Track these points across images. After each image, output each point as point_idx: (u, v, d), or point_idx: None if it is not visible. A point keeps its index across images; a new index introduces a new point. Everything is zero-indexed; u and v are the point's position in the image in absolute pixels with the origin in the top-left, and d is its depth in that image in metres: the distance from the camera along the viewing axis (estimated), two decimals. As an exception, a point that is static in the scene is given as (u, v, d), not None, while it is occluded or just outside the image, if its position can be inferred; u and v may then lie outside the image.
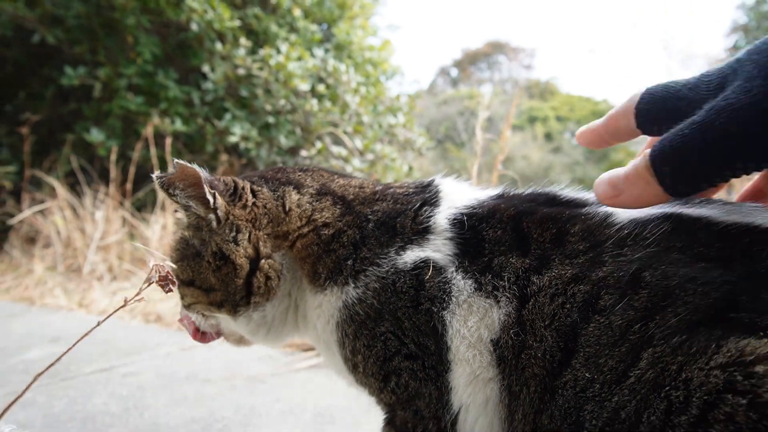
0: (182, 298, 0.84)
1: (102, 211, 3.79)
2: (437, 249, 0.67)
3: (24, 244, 4.04)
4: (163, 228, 3.94)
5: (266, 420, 1.19)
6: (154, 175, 0.75)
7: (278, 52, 4.88)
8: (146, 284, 0.59)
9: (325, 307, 0.74)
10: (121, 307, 0.65)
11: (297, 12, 5.43)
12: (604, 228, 0.59)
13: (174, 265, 0.81)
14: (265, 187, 0.82)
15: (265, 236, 0.79)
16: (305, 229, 0.77)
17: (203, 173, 0.76)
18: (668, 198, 0.54)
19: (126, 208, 3.94)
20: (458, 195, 0.74)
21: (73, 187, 4.03)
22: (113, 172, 3.84)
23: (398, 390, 0.67)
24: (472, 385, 0.61)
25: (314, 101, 5.01)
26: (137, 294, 0.60)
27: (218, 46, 4.64)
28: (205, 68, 4.66)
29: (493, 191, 0.74)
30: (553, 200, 0.68)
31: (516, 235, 0.63)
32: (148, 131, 3.95)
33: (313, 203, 0.79)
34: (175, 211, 0.82)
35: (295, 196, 0.80)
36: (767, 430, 0.42)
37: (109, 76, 4.36)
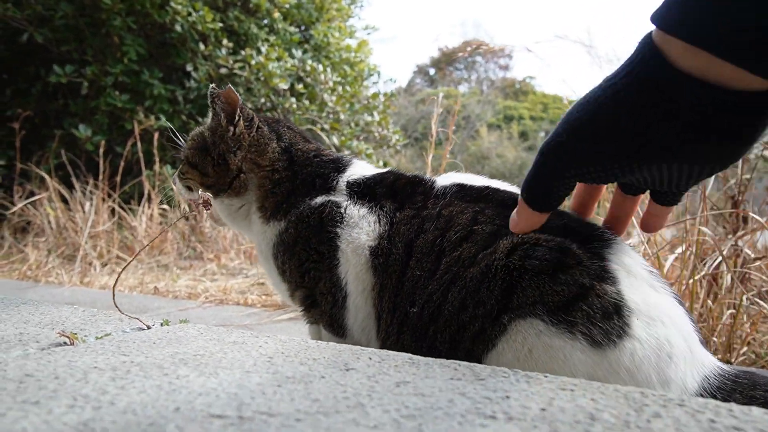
0: (184, 174, 1.20)
1: (92, 203, 4.02)
2: (337, 196, 1.08)
3: (16, 234, 4.25)
4: (149, 218, 4.19)
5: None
6: (210, 86, 1.15)
7: (259, 52, 5.16)
8: (196, 205, 0.88)
9: (267, 234, 1.13)
10: (178, 219, 0.96)
11: (276, 14, 5.70)
12: (430, 190, 1.01)
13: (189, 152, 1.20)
14: (266, 127, 1.20)
15: (249, 159, 1.16)
16: (268, 169, 1.15)
17: (240, 100, 1.14)
18: (545, 215, 0.77)
19: (114, 199, 4.17)
20: (359, 169, 1.15)
21: (63, 180, 4.25)
22: (102, 165, 4.07)
23: (310, 281, 1.05)
24: (355, 279, 0.99)
25: (293, 100, 5.30)
26: (186, 214, 0.89)
27: (201, 46, 4.89)
28: (189, 67, 4.91)
29: (383, 169, 1.16)
30: (417, 177, 1.09)
31: (393, 191, 1.05)
32: (137, 128, 4.19)
33: (279, 154, 1.17)
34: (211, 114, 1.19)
35: (274, 144, 1.19)
36: (490, 279, 0.82)
37: (96, 75, 4.58)
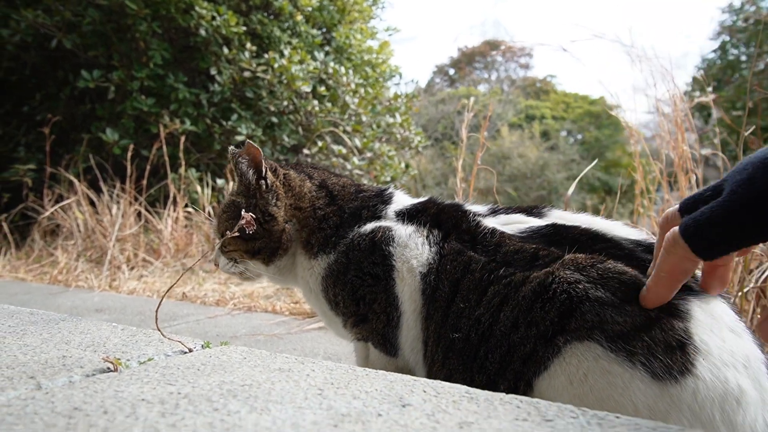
0: (224, 247, 1.16)
1: (119, 206, 4.07)
2: (387, 222, 1.07)
3: (46, 237, 4.32)
4: (174, 222, 4.22)
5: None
6: (230, 148, 1.13)
7: (281, 55, 5.17)
8: (239, 226, 0.86)
9: (315, 269, 1.10)
10: (227, 236, 0.96)
11: (299, 17, 5.71)
12: (476, 228, 0.97)
13: (226, 223, 1.17)
14: (293, 171, 1.18)
15: (290, 206, 1.14)
16: (310, 209, 1.13)
17: (262, 153, 1.12)
18: (699, 262, 0.72)
19: (140, 203, 4.21)
20: (402, 199, 1.15)
21: (91, 184, 4.31)
22: (129, 169, 4.11)
23: (365, 307, 1.02)
24: (409, 299, 0.98)
25: (315, 102, 5.30)
26: (234, 231, 0.88)
27: (225, 50, 4.92)
28: (213, 71, 4.94)
29: (423, 198, 1.15)
30: (458, 206, 1.07)
31: (437, 221, 1.03)
32: (163, 131, 4.23)
33: (316, 192, 1.16)
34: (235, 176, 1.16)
35: (308, 183, 1.17)
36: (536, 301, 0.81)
37: (123, 79, 4.63)
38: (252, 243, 1.12)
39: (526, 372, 0.81)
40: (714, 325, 0.76)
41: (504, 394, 0.63)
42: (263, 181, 1.13)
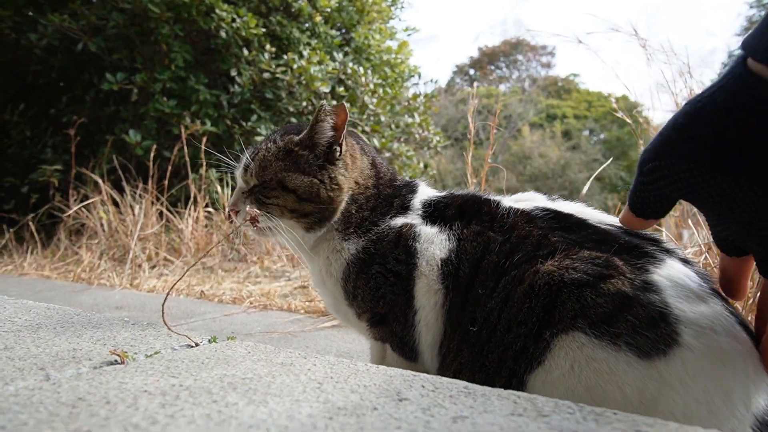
0: (266, 196, 1.06)
1: (141, 206, 4.15)
2: (413, 218, 1.06)
3: (71, 236, 4.43)
4: (195, 221, 4.29)
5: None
6: (322, 103, 1.13)
7: (301, 56, 5.21)
8: (242, 222, 0.88)
9: (344, 254, 1.07)
10: (237, 227, 0.95)
11: (318, 18, 5.74)
12: (496, 210, 0.98)
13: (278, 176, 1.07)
14: (353, 140, 1.18)
15: (350, 178, 1.12)
16: (363, 186, 1.12)
17: (346, 120, 1.09)
18: (650, 221, 0.78)
19: (162, 203, 4.29)
20: (426, 190, 1.14)
21: (114, 184, 4.40)
22: (151, 169, 4.19)
23: (385, 305, 1.01)
24: (427, 293, 0.97)
25: (334, 103, 5.33)
26: (238, 227, 0.89)
27: (245, 51, 4.98)
28: (233, 73, 5.01)
29: (443, 192, 1.14)
30: (479, 196, 1.07)
31: (460, 212, 1.02)
32: (184, 132, 4.30)
33: (369, 170, 1.15)
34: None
35: (364, 158, 1.17)
36: (545, 293, 0.81)
37: (145, 81, 4.72)
38: (306, 204, 1.05)
39: (518, 369, 0.82)
40: (680, 291, 0.77)
41: (502, 389, 0.63)
42: (338, 147, 1.09)
